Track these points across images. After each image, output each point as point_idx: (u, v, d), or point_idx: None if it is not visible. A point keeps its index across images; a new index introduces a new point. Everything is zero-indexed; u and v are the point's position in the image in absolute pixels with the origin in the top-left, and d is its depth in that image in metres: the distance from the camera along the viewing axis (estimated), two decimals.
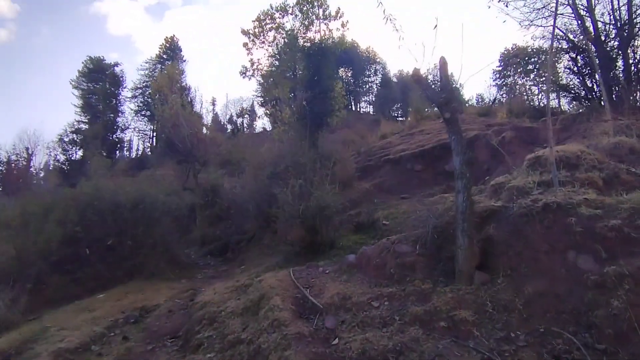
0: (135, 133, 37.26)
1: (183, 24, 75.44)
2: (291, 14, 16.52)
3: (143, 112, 36.50)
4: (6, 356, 3.46)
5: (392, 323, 3.00)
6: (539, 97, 19.49)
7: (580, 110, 10.66)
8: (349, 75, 44.46)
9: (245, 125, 39.03)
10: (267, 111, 12.37)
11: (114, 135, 30.69)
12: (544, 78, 15.65)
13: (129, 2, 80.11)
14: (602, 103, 8.72)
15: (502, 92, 32.21)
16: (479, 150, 10.07)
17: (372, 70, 51.93)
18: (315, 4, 15.91)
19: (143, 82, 36.54)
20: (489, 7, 9.02)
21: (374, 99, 52.32)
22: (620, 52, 9.61)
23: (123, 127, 32.81)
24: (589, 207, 3.23)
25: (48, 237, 7.12)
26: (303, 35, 16.10)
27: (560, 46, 10.76)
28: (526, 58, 21.22)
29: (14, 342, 3.69)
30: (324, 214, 6.01)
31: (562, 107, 14.20)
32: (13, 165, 23.39)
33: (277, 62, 16.82)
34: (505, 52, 32.63)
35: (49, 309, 5.60)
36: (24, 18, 68.76)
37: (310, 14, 15.83)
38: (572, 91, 11.78)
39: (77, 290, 6.93)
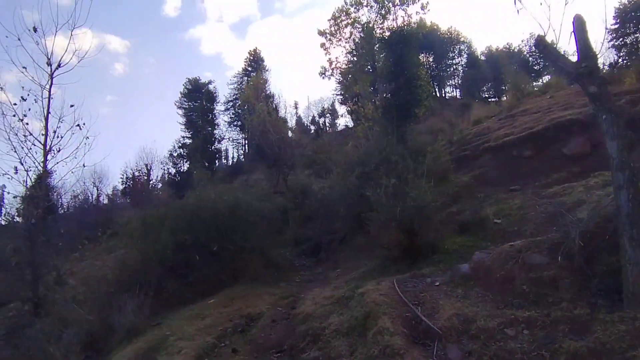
0: (230, 142, 40.97)
1: (264, 35, 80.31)
2: (366, 6, 15.99)
3: (235, 123, 39.83)
4: None
5: None
6: None
7: None
8: (430, 60, 41.78)
9: (327, 124, 39.55)
10: (349, 108, 12.08)
11: (212, 147, 33.93)
12: None
13: (215, 23, 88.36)
14: None
15: (622, 54, 26.56)
16: None
17: (456, 52, 48.01)
18: None
19: (233, 95, 39.88)
20: None
21: (460, 82, 48.34)
22: None
23: (219, 138, 36.13)
24: None
25: (164, 245, 7.94)
26: (380, 26, 15.41)
27: None
28: None
29: (139, 351, 4.07)
30: (423, 214, 5.41)
31: None
32: (137, 180, 27.55)
33: (354, 58, 16.47)
34: (622, 7, 26.80)
35: (168, 311, 6.16)
36: (133, 52, 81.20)
37: (387, 2, 15.06)
38: None
39: (189, 293, 7.58)
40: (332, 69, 17.98)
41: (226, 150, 40.80)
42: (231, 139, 40.68)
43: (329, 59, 17.60)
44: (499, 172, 9.02)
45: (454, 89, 50.44)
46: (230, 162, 40.94)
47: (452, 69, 48.11)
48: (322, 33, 16.74)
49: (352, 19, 16.45)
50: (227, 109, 40.40)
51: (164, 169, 29.10)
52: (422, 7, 14.76)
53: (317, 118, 40.27)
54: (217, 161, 35.87)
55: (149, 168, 28.70)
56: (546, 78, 35.47)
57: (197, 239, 8.21)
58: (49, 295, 9.00)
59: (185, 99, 35.23)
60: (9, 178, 8.61)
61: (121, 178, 28.45)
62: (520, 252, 3.34)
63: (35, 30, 9.23)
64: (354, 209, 9.29)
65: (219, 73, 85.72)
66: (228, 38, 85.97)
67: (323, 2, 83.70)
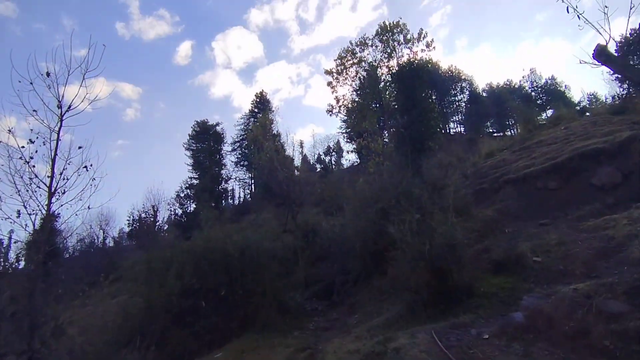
0: (236, 182, 41.06)
1: (270, 79, 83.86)
2: (371, 46, 16.45)
3: (242, 163, 40.16)
4: None
5: None
6: None
7: None
8: (434, 97, 42.73)
9: (333, 162, 39.71)
10: (361, 143, 11.94)
11: (220, 187, 33.83)
12: None
13: (224, 69, 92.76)
14: None
15: (626, 86, 26.88)
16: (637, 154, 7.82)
17: (458, 89, 49.21)
18: (395, 31, 15.56)
19: (240, 136, 40.58)
20: None
21: (463, 117, 49.03)
22: None
23: (226, 178, 36.15)
24: None
25: (169, 290, 7.40)
26: (386, 64, 15.71)
27: None
28: None
29: None
30: (455, 252, 4.90)
31: None
32: (143, 222, 27.19)
33: (360, 99, 16.72)
34: (624, 40, 27.52)
35: None
36: (145, 98, 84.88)
37: (392, 42, 15.47)
38: None
39: (195, 344, 6.93)
40: (339, 106, 18.15)
41: (233, 190, 40.79)
42: (238, 178, 40.83)
43: (336, 96, 17.82)
44: (523, 204, 8.54)
45: (458, 125, 51.08)
46: (237, 202, 40.74)
47: (454, 106, 49.02)
48: (328, 72, 17.09)
49: (357, 59, 16.86)
50: (234, 150, 40.95)
51: (171, 210, 28.82)
52: (427, 45, 15.10)
53: (322, 156, 40.52)
54: (224, 201, 35.65)
55: (155, 209, 28.48)
56: (549, 112, 35.74)
57: (205, 283, 7.67)
58: (43, 349, 8.37)
59: (193, 141, 35.76)
60: (11, 222, 8.32)
61: (128, 220, 28.19)
62: (589, 297, 2.80)
63: (48, 75, 9.39)
64: (370, 247, 8.74)
65: (227, 115, 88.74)
66: (236, 82, 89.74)
67: (327, 48, 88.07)
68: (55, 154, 9.49)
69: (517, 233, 6.81)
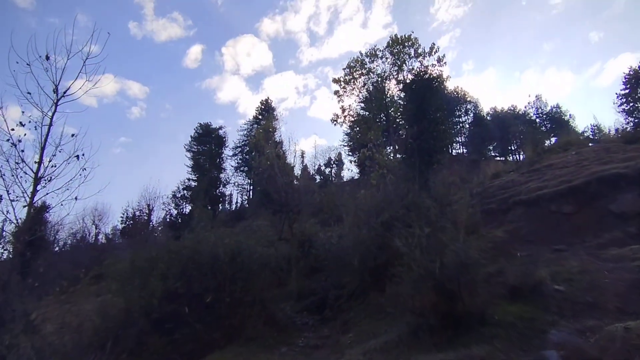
0: (235, 187, 40.52)
1: (277, 88, 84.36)
2: (381, 58, 16.20)
3: (242, 168, 39.71)
4: None
5: None
6: None
7: None
8: (445, 111, 42.67)
9: (333, 174, 39.25)
10: (365, 153, 11.54)
11: (217, 190, 33.29)
12: None
13: (231, 75, 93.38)
14: None
15: (632, 118, 26.84)
16: None
17: (463, 110, 49.16)
18: (407, 44, 15.34)
19: (242, 142, 40.25)
20: None
21: (466, 139, 48.86)
22: None
23: (225, 182, 35.65)
24: None
25: (151, 292, 6.84)
26: (395, 77, 15.42)
27: None
28: None
29: None
30: (468, 273, 4.39)
31: None
32: (137, 220, 26.54)
33: (366, 112, 16.41)
34: (632, 73, 27.55)
35: None
36: (152, 97, 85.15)
37: (402, 55, 15.21)
38: None
39: (173, 354, 6.33)
40: (345, 116, 17.81)
41: (230, 195, 40.20)
42: (236, 184, 40.29)
43: (342, 106, 17.51)
44: (534, 227, 8.05)
45: (461, 146, 50.86)
46: (233, 208, 40.10)
47: (458, 127, 48.90)
48: (336, 81, 16.82)
49: (366, 69, 16.57)
50: (235, 154, 40.59)
51: (166, 210, 28.19)
52: (439, 60, 14.83)
53: (323, 167, 40.10)
54: (220, 205, 35.05)
55: (150, 208, 27.88)
56: (553, 139, 35.54)
57: (190, 287, 7.10)
58: (12, 346, 7.76)
59: (195, 143, 35.43)
60: None
61: (121, 217, 27.52)
62: None
63: (47, 58, 8.98)
64: (369, 260, 8.22)
65: (231, 120, 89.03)
66: (242, 89, 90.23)
67: (335, 61, 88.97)
68: (46, 140, 8.97)
69: (531, 257, 6.30)
